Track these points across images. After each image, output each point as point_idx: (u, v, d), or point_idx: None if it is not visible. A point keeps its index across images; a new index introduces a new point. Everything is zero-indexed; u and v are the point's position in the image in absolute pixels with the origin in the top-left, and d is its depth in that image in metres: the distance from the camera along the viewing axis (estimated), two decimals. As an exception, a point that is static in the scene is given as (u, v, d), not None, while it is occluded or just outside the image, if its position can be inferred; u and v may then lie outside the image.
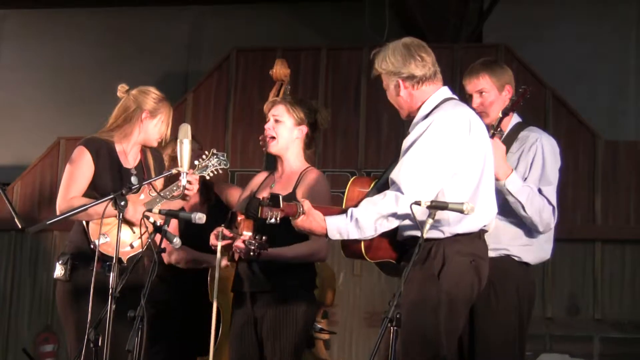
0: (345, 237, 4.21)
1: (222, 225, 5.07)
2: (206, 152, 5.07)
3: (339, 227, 4.18)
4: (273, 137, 5.17)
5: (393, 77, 4.40)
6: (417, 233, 4.18)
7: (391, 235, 4.33)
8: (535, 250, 4.85)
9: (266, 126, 5.20)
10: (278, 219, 4.14)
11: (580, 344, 8.77)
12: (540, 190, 4.74)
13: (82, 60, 11.53)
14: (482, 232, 4.36)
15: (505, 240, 4.76)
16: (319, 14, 11.20)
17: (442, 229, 4.25)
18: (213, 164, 5.05)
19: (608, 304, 8.79)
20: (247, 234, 4.88)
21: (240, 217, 5.04)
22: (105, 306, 4.20)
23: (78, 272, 4.95)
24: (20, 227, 4.83)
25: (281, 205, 4.12)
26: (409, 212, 4.12)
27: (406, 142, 4.31)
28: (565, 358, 8.74)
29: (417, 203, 4.02)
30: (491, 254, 4.67)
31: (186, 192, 4.84)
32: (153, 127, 5.18)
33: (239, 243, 4.87)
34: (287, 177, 5.18)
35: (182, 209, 5.30)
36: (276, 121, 5.17)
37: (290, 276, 5.04)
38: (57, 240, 9.68)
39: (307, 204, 4.20)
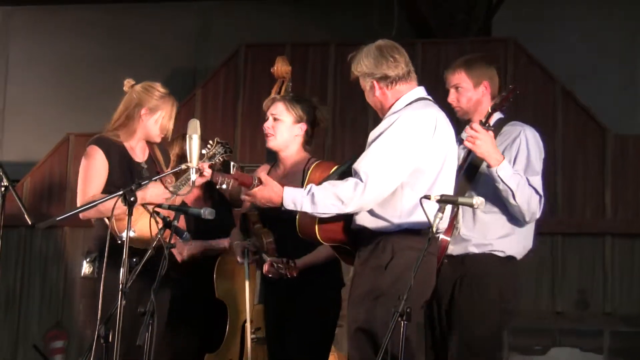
0: (299, 209, 4.30)
1: (248, 241, 5.16)
2: (210, 142, 5.08)
3: (294, 197, 4.29)
4: (271, 135, 5.18)
5: (368, 78, 4.53)
6: (367, 223, 4.34)
7: (345, 221, 4.43)
8: (519, 240, 4.88)
9: (265, 125, 5.22)
10: (230, 185, 4.27)
11: (590, 338, 8.77)
12: (527, 181, 4.77)
13: (90, 56, 11.56)
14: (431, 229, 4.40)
15: (490, 234, 4.80)
16: (327, 9, 11.20)
17: (392, 221, 4.33)
18: (219, 151, 5.07)
19: (618, 298, 8.79)
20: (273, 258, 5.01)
21: (258, 225, 5.12)
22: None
23: (108, 268, 4.92)
24: (29, 223, 4.83)
25: (232, 172, 4.23)
26: (366, 201, 4.27)
27: (372, 135, 4.43)
28: (575, 352, 8.74)
29: (427, 197, 4.06)
30: (474, 249, 4.78)
31: (198, 180, 4.84)
32: (153, 123, 5.16)
33: (269, 267, 4.99)
34: (292, 173, 5.18)
35: (184, 203, 5.32)
36: (275, 119, 5.18)
37: (317, 276, 5.07)
38: (67, 237, 9.70)
39: (263, 175, 4.37)
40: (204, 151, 5.13)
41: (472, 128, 4.68)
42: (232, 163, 4.30)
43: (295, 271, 4.95)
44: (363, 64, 4.51)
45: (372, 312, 4.25)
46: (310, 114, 5.21)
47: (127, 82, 5.25)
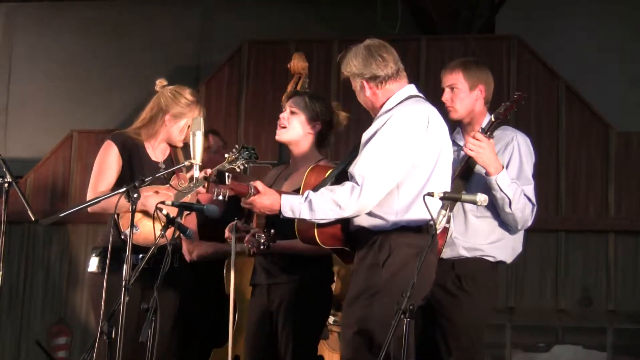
0: (297, 216, 4.34)
1: (237, 219, 5.13)
2: (236, 146, 5.10)
3: (292, 204, 4.32)
4: (284, 127, 5.16)
5: (357, 78, 4.56)
6: (364, 223, 4.35)
7: (344, 224, 4.45)
8: (510, 245, 4.93)
9: (281, 115, 5.18)
10: (226, 196, 4.28)
11: (593, 336, 8.77)
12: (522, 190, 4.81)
13: (94, 53, 11.55)
14: (429, 226, 4.40)
15: (480, 239, 4.84)
16: (330, 6, 11.19)
17: (388, 219, 4.34)
18: (244, 156, 5.08)
19: (621, 295, 8.78)
20: (257, 229, 4.96)
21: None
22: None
23: (113, 264, 4.92)
24: (33, 219, 4.84)
25: (227, 183, 4.25)
26: (363, 204, 4.29)
27: (365, 136, 4.43)
28: (578, 349, 8.74)
29: (430, 194, 4.06)
30: (465, 253, 4.82)
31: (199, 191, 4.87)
32: (177, 130, 5.17)
33: (249, 237, 4.95)
34: (301, 170, 5.15)
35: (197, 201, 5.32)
36: (292, 112, 5.15)
37: (306, 269, 5.05)
38: (70, 233, 9.70)
39: (259, 184, 4.38)
40: (226, 155, 5.15)
41: (475, 138, 4.71)
42: (226, 173, 4.29)
43: (274, 243, 4.88)
44: (352, 65, 4.55)
45: (369, 309, 4.26)
46: (327, 114, 5.17)
47: (159, 82, 5.24)
